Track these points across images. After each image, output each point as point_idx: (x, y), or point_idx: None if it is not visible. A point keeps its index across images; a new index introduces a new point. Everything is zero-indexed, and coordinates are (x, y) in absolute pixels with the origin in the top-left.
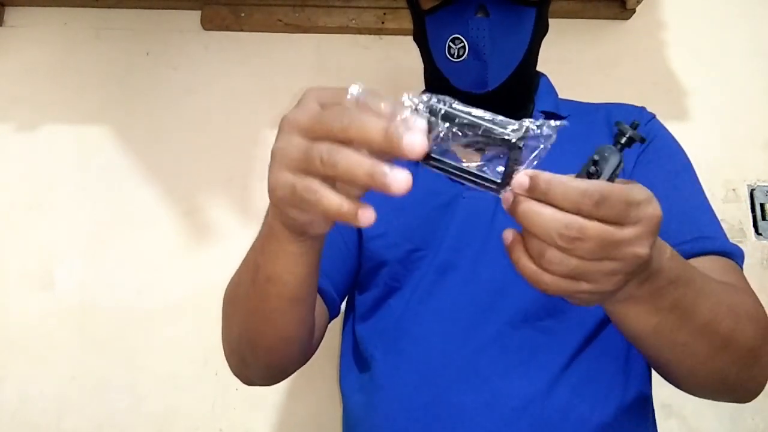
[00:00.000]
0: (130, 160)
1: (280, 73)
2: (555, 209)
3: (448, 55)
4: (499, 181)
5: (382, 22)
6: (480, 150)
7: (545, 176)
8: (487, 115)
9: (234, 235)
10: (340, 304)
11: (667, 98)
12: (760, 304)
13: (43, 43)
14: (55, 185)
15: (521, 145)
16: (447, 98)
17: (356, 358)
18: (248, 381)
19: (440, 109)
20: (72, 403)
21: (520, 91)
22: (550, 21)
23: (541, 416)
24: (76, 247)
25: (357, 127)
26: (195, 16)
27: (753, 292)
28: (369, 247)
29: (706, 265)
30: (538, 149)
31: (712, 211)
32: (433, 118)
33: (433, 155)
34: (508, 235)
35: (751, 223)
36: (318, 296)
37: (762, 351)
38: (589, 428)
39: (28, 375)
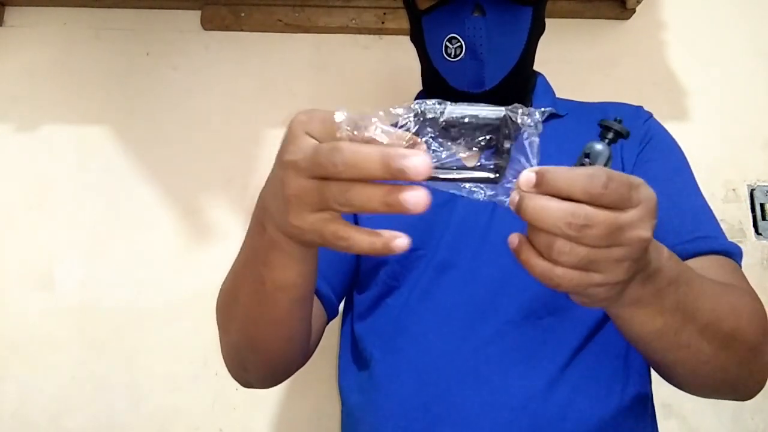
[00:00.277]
0: (130, 160)
1: (280, 73)
2: (560, 200)
3: (445, 55)
4: (492, 176)
5: (382, 22)
6: (478, 148)
7: (550, 169)
8: (471, 108)
9: (234, 235)
10: (338, 305)
11: (667, 98)
12: (760, 303)
13: (43, 43)
14: (55, 185)
15: (507, 129)
16: (428, 102)
17: (355, 357)
18: (247, 384)
19: (424, 112)
20: (72, 403)
21: (518, 90)
22: (551, 21)
23: (541, 415)
24: (76, 247)
25: (359, 168)
26: (195, 16)
27: (753, 290)
28: None
29: (705, 264)
30: (529, 138)
31: (710, 210)
32: (421, 126)
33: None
34: (514, 238)
35: (751, 223)
36: (315, 298)
37: (762, 349)
38: (589, 427)
39: (28, 375)
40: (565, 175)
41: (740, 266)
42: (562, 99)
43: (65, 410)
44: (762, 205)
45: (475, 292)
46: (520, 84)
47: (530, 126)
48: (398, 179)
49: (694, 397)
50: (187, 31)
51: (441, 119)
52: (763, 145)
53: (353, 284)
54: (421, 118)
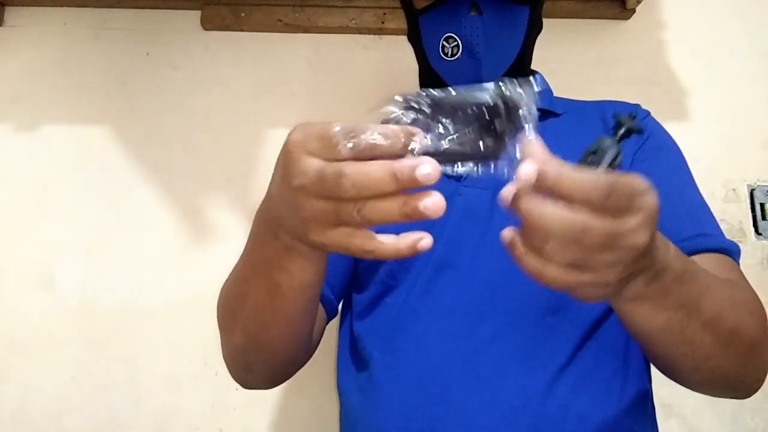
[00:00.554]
0: (130, 160)
1: (280, 73)
2: (559, 206)
3: (442, 54)
4: (489, 159)
5: (382, 22)
6: (474, 131)
7: (553, 169)
8: (460, 88)
9: (234, 235)
10: (337, 305)
11: (667, 98)
12: (759, 300)
13: (43, 43)
14: (55, 185)
15: (501, 105)
16: (419, 93)
17: (354, 356)
18: (248, 386)
19: (418, 102)
20: (72, 403)
21: None
22: (551, 21)
23: (541, 414)
24: (76, 247)
25: (370, 189)
26: (195, 16)
27: (751, 288)
28: None
29: (704, 262)
30: (523, 114)
31: (708, 208)
32: (415, 115)
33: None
34: (507, 234)
35: (751, 223)
36: None
37: (762, 346)
38: (589, 425)
39: (28, 375)
40: (567, 178)
41: (738, 264)
42: (559, 98)
43: (65, 410)
44: (762, 205)
45: (475, 291)
46: None
47: (524, 102)
48: (412, 188)
49: (694, 397)
50: (187, 31)
51: (436, 105)
52: (763, 145)
53: (352, 284)
54: (417, 107)
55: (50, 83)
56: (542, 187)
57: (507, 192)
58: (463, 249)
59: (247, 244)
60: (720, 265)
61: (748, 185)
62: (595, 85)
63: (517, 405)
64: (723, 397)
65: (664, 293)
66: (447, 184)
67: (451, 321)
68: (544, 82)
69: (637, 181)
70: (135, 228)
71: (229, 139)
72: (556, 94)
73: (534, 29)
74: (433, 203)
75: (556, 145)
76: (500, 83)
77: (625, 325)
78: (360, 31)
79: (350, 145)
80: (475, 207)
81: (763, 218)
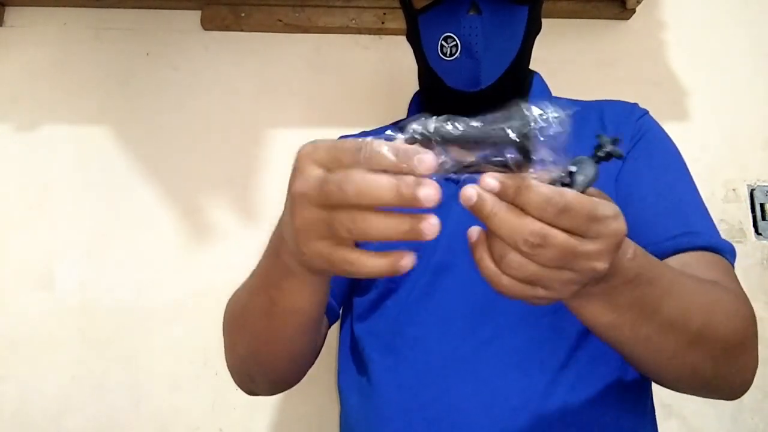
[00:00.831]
0: (130, 160)
1: (280, 73)
2: (521, 214)
3: (441, 54)
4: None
5: (382, 22)
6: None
7: (514, 181)
8: (480, 123)
9: (234, 235)
10: (339, 309)
11: (667, 98)
12: (744, 302)
13: (43, 43)
14: (55, 185)
15: (529, 136)
16: (436, 124)
17: (354, 358)
18: (252, 393)
19: (434, 137)
20: (72, 403)
21: (514, 89)
22: (551, 21)
23: (540, 415)
24: (76, 247)
25: (370, 196)
26: (195, 16)
27: (740, 288)
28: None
29: (691, 261)
30: (553, 135)
31: (703, 206)
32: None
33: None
34: (473, 233)
35: (751, 223)
36: None
37: (743, 347)
38: (589, 426)
39: (28, 375)
40: (526, 191)
41: (732, 264)
42: (557, 98)
43: (65, 410)
44: (762, 205)
45: (473, 293)
46: (517, 83)
47: (552, 123)
48: (411, 207)
49: (694, 397)
50: (187, 31)
51: (453, 141)
52: (763, 145)
53: (353, 288)
54: (420, 137)
55: (50, 83)
56: (504, 197)
57: (471, 191)
58: (461, 252)
59: (259, 260)
60: (707, 264)
61: (748, 185)
62: (595, 85)
63: (517, 406)
64: (708, 397)
65: (611, 293)
66: (446, 186)
67: (450, 323)
68: (543, 83)
69: (601, 206)
70: (135, 228)
71: (229, 139)
72: (556, 94)
73: (533, 29)
74: (431, 226)
75: None
76: (528, 117)
77: (579, 320)
78: (360, 31)
79: (359, 156)
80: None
81: (763, 218)
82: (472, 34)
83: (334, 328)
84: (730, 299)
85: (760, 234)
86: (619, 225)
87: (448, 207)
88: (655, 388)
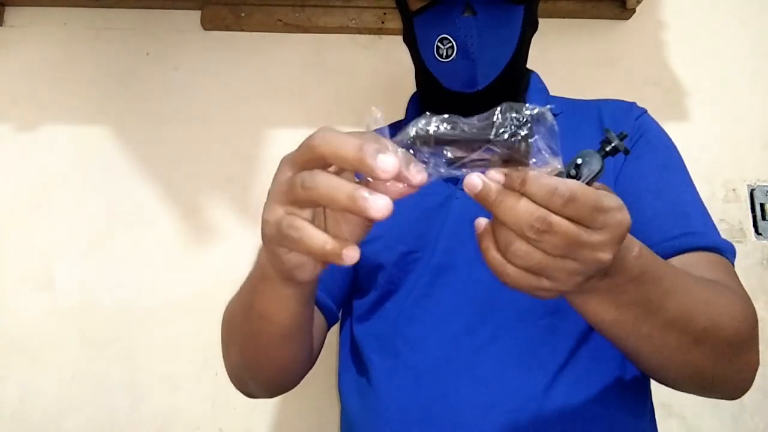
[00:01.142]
0: (130, 160)
1: (280, 73)
2: (528, 202)
3: (437, 56)
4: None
5: (382, 22)
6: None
7: (519, 173)
8: (467, 126)
9: (234, 235)
10: (338, 312)
11: (667, 98)
12: (745, 300)
13: (43, 43)
14: (55, 185)
15: (521, 135)
16: (425, 127)
17: (354, 359)
18: (250, 396)
19: (424, 138)
20: (72, 403)
21: (511, 89)
22: (551, 21)
23: (540, 415)
24: (76, 247)
25: (338, 150)
26: (195, 16)
27: (741, 288)
28: (364, 252)
29: (692, 261)
30: (544, 132)
31: (703, 206)
32: (425, 148)
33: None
34: (481, 223)
35: (751, 223)
36: (315, 308)
37: (745, 346)
38: (588, 426)
39: (28, 375)
40: (533, 180)
41: (732, 263)
42: (555, 97)
43: (65, 410)
44: (762, 205)
45: (473, 294)
46: (514, 83)
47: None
48: (366, 170)
49: (695, 397)
50: (187, 31)
51: (443, 145)
52: (763, 145)
53: (352, 290)
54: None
55: (50, 83)
56: (508, 186)
57: (476, 179)
58: (460, 252)
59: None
60: (709, 264)
61: (748, 185)
62: (595, 85)
63: (516, 406)
64: (710, 396)
65: (615, 291)
66: (444, 187)
67: (450, 324)
68: (540, 82)
69: (606, 197)
70: (135, 228)
71: (229, 139)
72: (555, 94)
73: (529, 29)
74: (377, 203)
75: None
76: (502, 119)
77: (584, 318)
78: (360, 31)
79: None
80: (472, 210)
81: (763, 218)
82: (467, 35)
83: (335, 328)
84: (733, 299)
85: (760, 234)
86: (624, 216)
87: (447, 208)
88: (655, 387)
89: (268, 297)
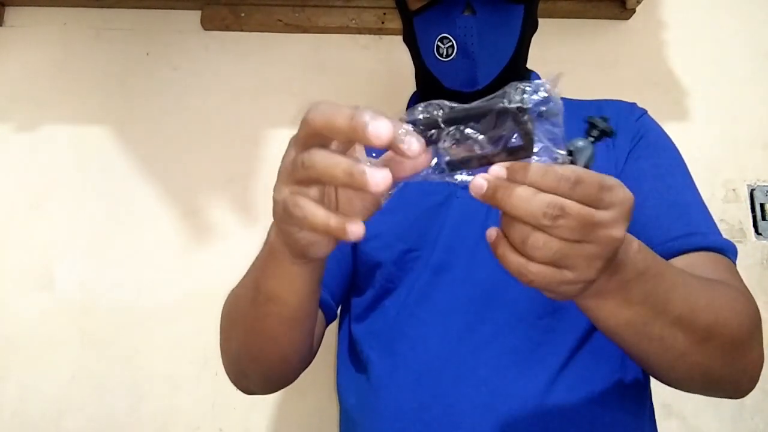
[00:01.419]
0: (130, 160)
1: (280, 73)
2: (535, 191)
3: (437, 55)
4: (521, 144)
5: (382, 22)
6: (490, 138)
7: (521, 166)
8: (475, 103)
9: (234, 235)
10: (336, 309)
11: (667, 98)
12: (749, 299)
13: (43, 43)
14: (55, 185)
15: (527, 107)
16: (434, 105)
17: (352, 358)
18: (247, 391)
19: (436, 115)
20: (72, 403)
21: None
22: (551, 21)
23: (540, 415)
24: (76, 246)
25: (330, 121)
26: (195, 16)
27: (744, 287)
28: (363, 249)
29: (695, 261)
30: (550, 111)
31: (704, 206)
32: (433, 131)
33: (447, 163)
34: (492, 232)
35: (751, 223)
36: None
37: (748, 345)
38: (588, 426)
39: (28, 375)
40: (537, 170)
41: (734, 263)
42: None
43: (65, 410)
44: (762, 205)
45: (472, 293)
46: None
47: (535, 103)
48: (359, 137)
49: (694, 397)
50: (187, 31)
51: (454, 120)
52: (763, 145)
53: (351, 288)
54: (433, 121)
55: (50, 83)
56: (511, 179)
57: (480, 180)
58: (460, 251)
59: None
60: (711, 264)
61: (748, 185)
62: (595, 85)
63: (516, 406)
64: (715, 396)
65: (625, 288)
66: (443, 186)
67: (449, 323)
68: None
69: (606, 177)
70: (135, 228)
71: (229, 139)
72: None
73: (529, 28)
74: (375, 176)
75: None
76: (513, 90)
77: (592, 322)
78: (360, 31)
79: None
80: (472, 209)
81: (763, 218)
82: (467, 34)
83: (334, 327)
84: (736, 297)
85: (760, 234)
86: (627, 192)
87: (447, 206)
88: (655, 387)
89: (279, 277)
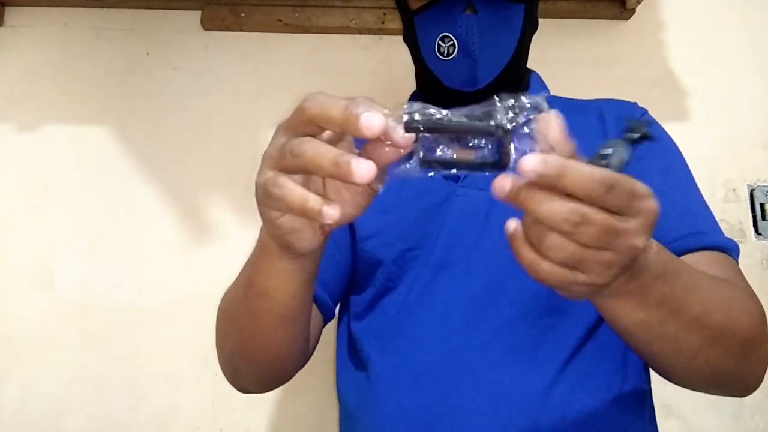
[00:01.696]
0: (130, 160)
1: (280, 73)
2: (561, 194)
3: (438, 54)
4: (496, 160)
5: (382, 22)
6: (470, 145)
7: (558, 161)
8: (460, 114)
9: (234, 235)
10: (335, 308)
11: (667, 98)
12: (756, 298)
13: (43, 43)
14: (55, 185)
15: (508, 128)
16: (420, 111)
17: (352, 357)
18: (243, 389)
19: (418, 122)
20: (72, 403)
21: (512, 88)
22: (551, 21)
23: (540, 414)
24: (76, 246)
25: (325, 111)
26: (195, 16)
27: (748, 286)
28: (363, 248)
29: (700, 260)
30: (525, 123)
31: (707, 205)
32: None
33: (427, 157)
34: (511, 225)
35: (751, 223)
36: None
37: (757, 344)
38: (588, 425)
39: (28, 375)
40: (571, 170)
41: (737, 262)
42: (556, 96)
43: (65, 410)
44: (762, 205)
45: (473, 291)
46: (515, 81)
47: (528, 111)
48: (352, 128)
49: (695, 396)
50: (187, 31)
51: (436, 130)
52: (763, 145)
53: (349, 286)
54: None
55: (50, 83)
56: (545, 180)
57: (504, 180)
58: (460, 250)
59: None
60: (716, 263)
61: (748, 185)
62: (595, 85)
63: (516, 405)
64: (721, 395)
65: (643, 291)
66: (444, 185)
67: (449, 322)
68: (540, 81)
69: (638, 184)
70: (135, 228)
71: (229, 139)
72: (555, 93)
73: (530, 28)
74: (360, 167)
75: None
76: (499, 108)
77: (606, 320)
78: (360, 31)
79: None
80: (473, 208)
81: (763, 218)
82: (468, 33)
83: (334, 326)
84: (744, 297)
85: (760, 234)
86: (654, 203)
87: (447, 205)
88: (656, 387)
89: (268, 272)
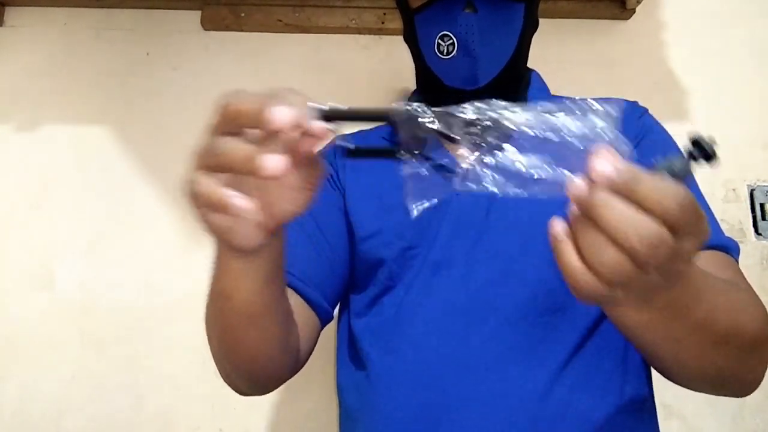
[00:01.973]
0: (130, 160)
1: (280, 73)
2: (639, 209)
3: (438, 53)
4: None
5: (382, 22)
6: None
7: (629, 169)
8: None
9: None
10: (332, 310)
11: (667, 98)
12: (758, 299)
13: (43, 43)
14: (55, 185)
15: (405, 118)
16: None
17: (352, 356)
18: (238, 390)
19: (326, 111)
20: (72, 403)
21: (512, 87)
22: (551, 21)
23: (540, 414)
24: (76, 246)
25: (240, 108)
26: (195, 16)
27: (750, 286)
28: (363, 248)
29: (702, 260)
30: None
31: (707, 205)
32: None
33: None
34: (557, 225)
35: (751, 223)
36: (306, 306)
37: (761, 345)
38: (588, 425)
39: (28, 375)
40: (646, 181)
41: (737, 262)
42: (556, 96)
43: (65, 410)
44: (762, 205)
45: (472, 291)
46: (515, 80)
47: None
48: (262, 118)
49: (695, 397)
50: (187, 31)
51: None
52: (763, 145)
53: (349, 287)
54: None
55: (50, 83)
56: (614, 188)
57: (581, 184)
58: (460, 249)
59: None
60: (718, 263)
61: (748, 185)
62: (595, 85)
63: (516, 405)
64: (721, 395)
65: (650, 294)
66: (444, 184)
67: (449, 321)
68: (541, 80)
69: (697, 204)
70: (135, 228)
71: None
72: (555, 93)
73: (530, 27)
74: (269, 160)
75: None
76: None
77: (609, 318)
78: (360, 31)
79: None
80: (472, 207)
81: (763, 218)
82: (468, 32)
83: (334, 326)
84: (747, 298)
85: (760, 234)
86: (708, 225)
87: (446, 204)
88: (656, 387)
89: (224, 273)
